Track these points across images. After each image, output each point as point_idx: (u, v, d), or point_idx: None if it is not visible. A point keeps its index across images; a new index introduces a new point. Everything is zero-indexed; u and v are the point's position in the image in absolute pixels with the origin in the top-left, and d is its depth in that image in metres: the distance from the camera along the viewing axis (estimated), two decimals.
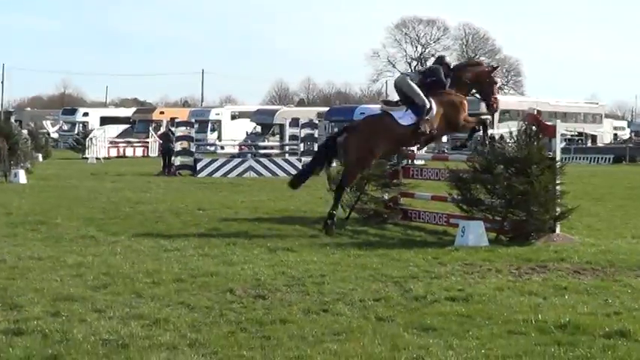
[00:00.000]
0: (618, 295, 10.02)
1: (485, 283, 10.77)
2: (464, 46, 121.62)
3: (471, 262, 12.40)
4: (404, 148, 17.67)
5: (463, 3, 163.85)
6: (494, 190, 14.83)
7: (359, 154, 16.38)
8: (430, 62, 17.87)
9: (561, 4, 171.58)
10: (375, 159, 16.82)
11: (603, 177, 38.82)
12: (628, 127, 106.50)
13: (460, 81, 17.04)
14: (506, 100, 79.04)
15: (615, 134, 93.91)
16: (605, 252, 13.38)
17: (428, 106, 16.41)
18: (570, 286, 10.62)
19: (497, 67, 17.42)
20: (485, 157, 15.17)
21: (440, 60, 17.60)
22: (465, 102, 17.05)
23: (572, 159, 56.79)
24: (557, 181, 14.88)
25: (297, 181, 17.15)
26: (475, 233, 14.14)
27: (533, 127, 15.08)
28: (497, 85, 17.93)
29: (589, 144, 75.78)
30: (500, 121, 68.14)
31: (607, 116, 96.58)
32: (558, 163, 15.00)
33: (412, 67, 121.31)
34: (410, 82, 16.71)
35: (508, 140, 15.52)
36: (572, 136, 74.67)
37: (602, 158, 60.77)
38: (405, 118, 16.43)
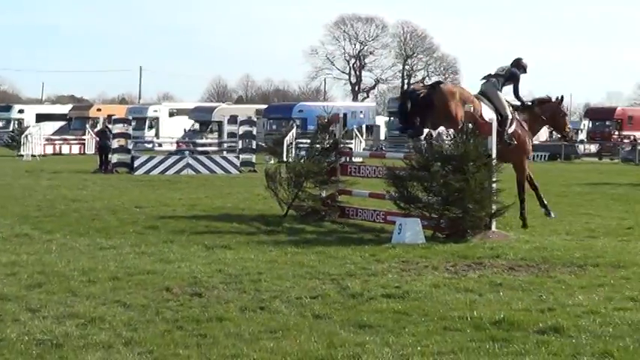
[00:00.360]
0: (552, 292, 10.13)
1: (421, 280, 10.83)
2: (402, 44, 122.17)
3: (407, 259, 12.47)
4: None
5: (402, 1, 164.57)
6: (431, 187, 14.91)
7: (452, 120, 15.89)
8: (504, 63, 17.57)
9: (497, 3, 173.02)
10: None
11: (539, 174, 39.01)
12: None
13: (537, 117, 17.69)
14: None
15: (551, 132, 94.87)
16: (539, 249, 13.53)
17: (510, 117, 16.92)
18: (505, 282, 10.73)
19: (563, 97, 18.28)
20: (422, 155, 15.24)
21: (517, 62, 17.54)
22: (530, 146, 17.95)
23: None
24: (493, 179, 15.01)
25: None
26: (412, 230, 14.21)
27: (470, 125, 15.19)
28: (567, 116, 18.69)
29: None
30: None
31: None
32: (494, 160, 15.12)
33: (350, 65, 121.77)
34: (498, 92, 17.11)
35: (445, 138, 15.60)
36: None
37: (537, 156, 61.32)
38: (488, 112, 16.59)
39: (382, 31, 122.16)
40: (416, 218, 14.58)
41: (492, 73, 17.39)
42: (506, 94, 17.40)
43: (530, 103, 17.87)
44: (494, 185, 15.01)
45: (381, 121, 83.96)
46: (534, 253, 13.01)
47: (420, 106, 16.24)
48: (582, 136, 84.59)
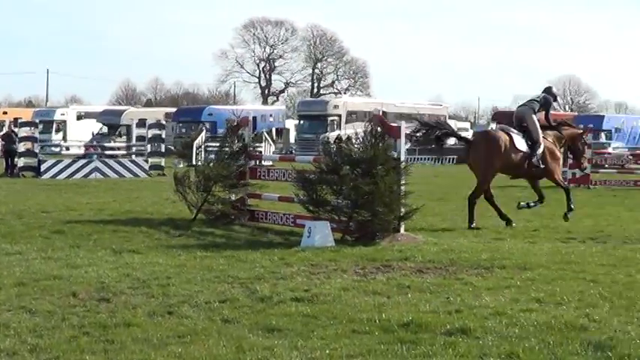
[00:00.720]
0: (459, 293, 10.22)
1: (330, 283, 10.84)
2: (312, 48, 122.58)
3: (316, 262, 12.48)
4: (516, 171, 19.04)
5: (311, 4, 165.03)
6: (341, 190, 14.96)
7: (484, 165, 18.15)
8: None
9: (406, 5, 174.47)
10: (495, 171, 18.47)
11: (447, 177, 39.70)
12: (471, 128, 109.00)
13: (560, 138, 19.26)
14: (352, 101, 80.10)
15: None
16: (447, 251, 13.65)
17: (541, 142, 18.45)
18: (413, 284, 10.80)
19: (587, 130, 21.26)
20: (331, 158, 15.28)
21: (549, 90, 19.39)
22: (561, 159, 19.53)
23: (417, 159, 57.89)
24: (402, 182, 15.12)
25: None
26: (321, 234, 14.24)
27: (379, 128, 15.29)
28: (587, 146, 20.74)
29: (433, 145, 76.99)
30: (346, 122, 68.99)
31: (451, 117, 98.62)
32: (403, 163, 15.23)
33: (260, 68, 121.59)
34: (534, 118, 18.70)
35: (354, 141, 15.68)
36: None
37: (446, 159, 62.11)
38: (520, 143, 18.32)
39: (292, 34, 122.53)
40: (325, 221, 14.62)
41: (528, 99, 19.25)
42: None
43: (555, 124, 19.54)
44: (402, 188, 15.11)
45: (291, 124, 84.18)
46: (442, 256, 13.12)
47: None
48: None
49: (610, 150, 43.62)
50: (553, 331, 8.31)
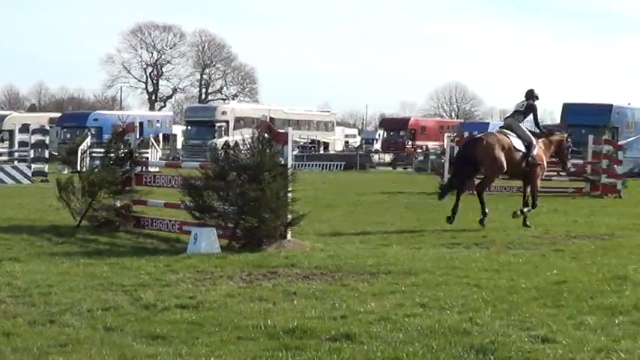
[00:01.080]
0: (345, 299, 10.25)
1: (216, 290, 10.77)
2: (200, 53, 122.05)
3: (202, 269, 12.39)
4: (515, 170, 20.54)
5: (200, 10, 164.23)
6: (227, 197, 14.89)
7: (494, 164, 19.65)
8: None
9: (295, 12, 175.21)
10: (503, 168, 20.00)
11: (334, 183, 39.92)
12: (359, 134, 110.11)
13: (548, 144, 21.15)
14: (240, 107, 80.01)
15: (346, 142, 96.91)
16: (333, 257, 13.68)
17: (534, 142, 20.29)
18: (299, 291, 10.79)
19: (570, 134, 23.25)
20: (218, 164, 15.21)
21: (531, 94, 20.93)
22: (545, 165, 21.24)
23: (305, 166, 58.11)
24: (289, 188, 15.12)
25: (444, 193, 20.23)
26: (207, 240, 14.15)
27: (266, 135, 15.27)
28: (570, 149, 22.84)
29: (321, 151, 77.73)
30: (234, 128, 68.91)
31: (339, 124, 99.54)
32: (290, 169, 15.24)
33: (147, 73, 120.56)
34: (520, 125, 20.52)
35: (242, 147, 15.64)
36: (305, 143, 76.39)
37: (333, 165, 62.49)
38: (518, 144, 20.08)
39: (180, 39, 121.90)
40: (211, 228, 14.53)
41: (513, 110, 20.99)
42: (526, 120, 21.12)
43: (544, 132, 21.50)
44: (289, 194, 15.11)
45: (178, 130, 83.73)
46: (328, 262, 13.14)
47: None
48: (377, 145, 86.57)
49: None
50: (437, 336, 8.40)
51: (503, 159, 19.66)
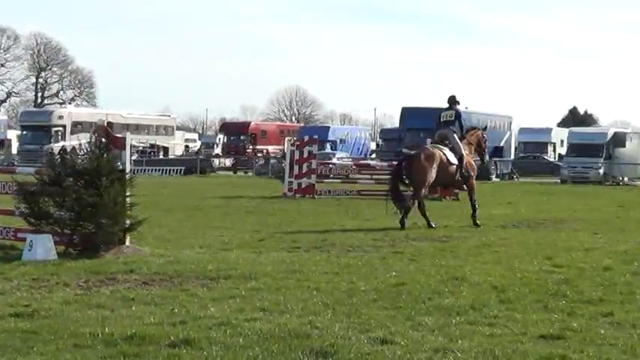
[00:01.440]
0: (185, 305, 10.16)
1: (52, 298, 10.52)
2: (35, 56, 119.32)
3: (38, 276, 12.07)
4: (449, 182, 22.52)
5: (35, 13, 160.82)
6: (64, 202, 14.57)
7: (422, 177, 20.79)
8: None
9: (134, 17, 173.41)
10: (429, 183, 21.20)
11: (174, 188, 39.64)
12: (199, 139, 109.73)
13: (469, 144, 22.39)
14: (78, 111, 78.68)
15: (187, 146, 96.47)
16: (173, 262, 13.54)
17: (464, 155, 21.61)
18: (138, 297, 10.64)
19: (487, 127, 24.93)
20: (54, 170, 14.88)
21: (453, 100, 22.62)
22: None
23: (145, 171, 57.50)
24: (127, 193, 14.91)
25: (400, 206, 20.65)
26: (43, 247, 13.81)
27: (103, 139, 15.03)
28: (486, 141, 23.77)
29: (161, 156, 77.14)
30: (71, 132, 67.67)
31: (179, 128, 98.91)
32: (128, 174, 15.03)
33: None
34: (456, 137, 21.81)
35: (79, 152, 15.35)
36: (144, 148, 75.70)
37: (173, 170, 61.97)
38: (452, 157, 21.38)
39: (14, 42, 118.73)
40: (47, 234, 14.19)
41: (442, 121, 22.25)
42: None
43: (465, 135, 22.46)
44: (128, 200, 14.90)
45: (13, 135, 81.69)
46: (168, 267, 13.01)
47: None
48: (218, 150, 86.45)
49: (335, 160, 44.86)
50: (277, 340, 8.40)
51: (433, 175, 20.90)
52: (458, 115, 22.39)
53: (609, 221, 22.93)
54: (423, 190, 21.19)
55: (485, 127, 24.49)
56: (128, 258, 13.92)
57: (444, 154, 21.27)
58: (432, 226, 20.26)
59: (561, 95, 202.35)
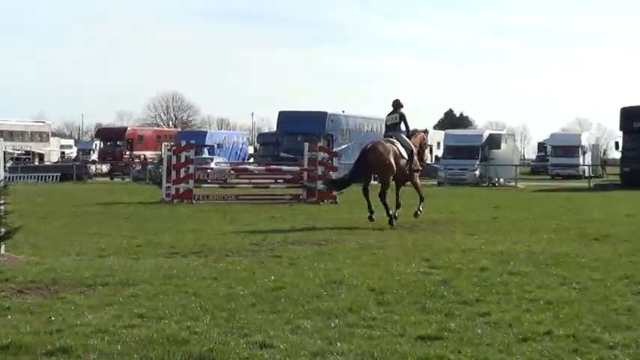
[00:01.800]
0: (61, 313, 10.05)
1: None
2: None
3: None
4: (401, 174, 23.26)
5: None
6: None
7: (386, 167, 22.41)
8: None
9: (6, 23, 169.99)
10: (394, 172, 22.63)
11: (50, 195, 39.00)
12: (75, 145, 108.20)
13: (415, 143, 23.76)
14: None
15: (62, 152, 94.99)
16: (50, 270, 13.35)
17: (415, 150, 23.42)
18: (14, 306, 10.47)
19: (427, 130, 26.52)
20: None
21: (398, 103, 23.71)
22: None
23: (20, 178, 56.45)
24: (2, 201, 14.65)
25: (340, 187, 25.38)
26: None
27: None
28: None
29: (36, 162, 75.87)
30: None
31: (55, 135, 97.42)
32: (2, 182, 14.78)
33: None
34: (403, 136, 23.34)
35: None
36: (19, 155, 74.36)
37: (49, 176, 60.98)
38: (403, 151, 22.94)
39: None
40: None
41: (389, 124, 23.67)
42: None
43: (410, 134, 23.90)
44: (2, 207, 14.64)
45: None
46: (44, 275, 12.82)
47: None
48: (94, 156, 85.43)
49: (212, 165, 44.72)
50: (155, 346, 8.38)
51: (393, 163, 22.42)
52: (402, 117, 23.61)
53: (486, 222, 23.37)
54: (390, 178, 22.67)
55: (426, 130, 25.93)
56: (3, 266, 13.65)
57: (396, 147, 22.76)
58: (391, 217, 22.15)
59: (437, 98, 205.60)
